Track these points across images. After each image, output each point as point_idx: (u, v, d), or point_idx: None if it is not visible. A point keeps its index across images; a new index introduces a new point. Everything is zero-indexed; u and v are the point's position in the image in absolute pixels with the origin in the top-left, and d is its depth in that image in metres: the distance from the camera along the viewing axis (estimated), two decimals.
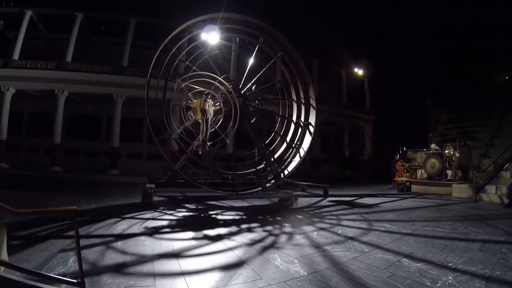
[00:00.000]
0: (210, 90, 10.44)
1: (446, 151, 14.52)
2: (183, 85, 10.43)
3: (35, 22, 23.00)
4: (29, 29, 22.25)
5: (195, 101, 10.28)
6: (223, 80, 10.87)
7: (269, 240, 5.37)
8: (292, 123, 12.98)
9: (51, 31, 24.85)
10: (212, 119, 10.35)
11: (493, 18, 29.60)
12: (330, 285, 3.43)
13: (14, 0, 22.80)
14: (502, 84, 25.14)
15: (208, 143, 10.37)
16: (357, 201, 11.12)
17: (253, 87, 11.94)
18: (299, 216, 7.95)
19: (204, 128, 10.05)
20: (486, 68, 27.78)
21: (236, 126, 10.61)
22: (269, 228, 6.35)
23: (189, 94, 10.56)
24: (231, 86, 10.84)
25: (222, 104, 10.65)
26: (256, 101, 12.22)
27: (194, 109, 10.23)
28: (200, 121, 10.15)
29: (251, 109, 11.68)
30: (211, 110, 10.19)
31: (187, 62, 11.22)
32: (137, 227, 6.11)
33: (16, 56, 21.20)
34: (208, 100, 10.08)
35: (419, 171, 15.63)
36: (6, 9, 22.71)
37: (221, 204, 9.65)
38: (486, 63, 28.09)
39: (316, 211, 8.88)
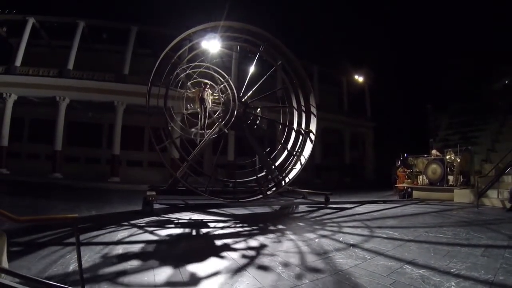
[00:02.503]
0: (208, 81, 10.61)
1: (447, 157, 14.53)
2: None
3: (38, 29, 23.14)
4: (32, 37, 22.37)
5: (193, 90, 10.48)
6: (230, 81, 10.98)
7: (271, 247, 5.34)
8: (293, 130, 12.97)
9: (53, 38, 25.02)
10: (210, 107, 10.54)
11: (494, 22, 29.74)
12: None
13: (17, 7, 22.93)
14: (502, 88, 25.16)
15: (206, 131, 10.46)
16: (359, 208, 11.08)
17: (254, 95, 11.98)
18: (301, 224, 7.93)
19: (203, 116, 10.21)
20: (486, 73, 27.83)
21: (229, 127, 10.76)
22: (270, 235, 6.32)
23: (189, 83, 10.63)
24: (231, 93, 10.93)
25: (222, 105, 10.80)
26: (258, 109, 12.24)
27: (193, 98, 10.46)
28: (198, 109, 10.31)
29: (251, 117, 11.69)
30: (209, 99, 10.40)
31: (188, 70, 11.25)
32: (138, 235, 6.09)
33: (18, 63, 21.30)
34: (206, 89, 10.31)
35: (421, 177, 15.62)
36: (9, 17, 22.82)
37: (222, 212, 9.62)
38: (487, 67, 28.14)
39: (318, 218, 8.85)
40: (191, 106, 10.73)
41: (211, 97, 10.53)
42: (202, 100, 10.21)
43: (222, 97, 10.95)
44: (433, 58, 37.12)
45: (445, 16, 34.95)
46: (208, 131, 10.61)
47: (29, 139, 24.60)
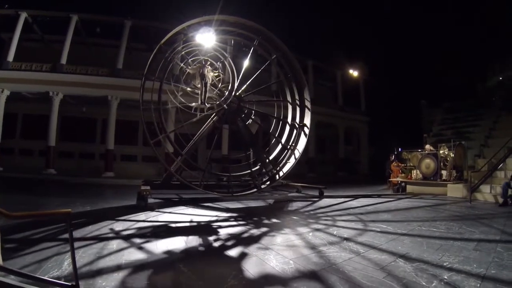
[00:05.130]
0: (208, 58, 10.79)
1: (441, 152, 14.60)
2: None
3: (30, 24, 22.82)
4: (24, 31, 22.05)
5: (194, 66, 10.67)
6: (229, 59, 11.17)
7: (265, 241, 5.36)
8: (287, 124, 12.99)
9: (46, 33, 24.72)
10: (210, 83, 10.72)
11: (488, 20, 29.91)
12: (326, 286, 3.43)
13: (9, 1, 22.61)
14: (496, 85, 25.37)
15: (207, 105, 10.61)
16: (352, 202, 11.13)
17: (248, 89, 11.99)
18: (294, 217, 7.95)
19: (203, 91, 10.37)
20: (480, 70, 28.03)
21: (223, 121, 10.89)
22: (264, 229, 6.35)
23: (189, 60, 10.68)
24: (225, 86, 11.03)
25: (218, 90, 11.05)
26: (252, 102, 12.25)
27: (193, 75, 10.65)
28: (199, 85, 10.50)
29: (246, 111, 11.69)
30: (209, 75, 10.60)
31: (182, 64, 11.22)
32: (132, 230, 6.08)
33: (10, 58, 21.01)
34: (207, 66, 10.55)
35: (414, 171, 15.69)
36: (0, 11, 22.52)
37: (216, 206, 9.63)
38: (481, 64, 28.34)
39: (311, 212, 8.88)
40: (191, 82, 10.83)
41: (211, 73, 10.72)
42: (203, 76, 10.44)
43: (222, 74, 11.19)
44: (429, 54, 37.32)
45: (441, 12, 35.07)
46: (208, 105, 10.71)
47: (22, 135, 24.47)
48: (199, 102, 10.53)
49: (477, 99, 23.93)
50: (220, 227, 6.75)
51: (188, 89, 11.09)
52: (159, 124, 10.82)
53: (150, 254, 4.48)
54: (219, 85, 11.07)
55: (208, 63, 10.62)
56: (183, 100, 11.01)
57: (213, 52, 11.05)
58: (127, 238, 5.41)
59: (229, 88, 10.84)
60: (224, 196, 10.23)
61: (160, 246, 4.96)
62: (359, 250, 4.78)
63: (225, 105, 10.82)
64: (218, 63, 11.02)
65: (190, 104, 10.93)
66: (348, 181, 23.50)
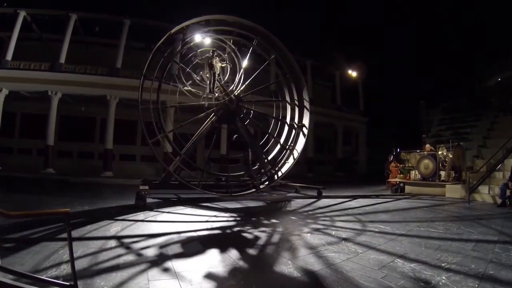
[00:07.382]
0: (216, 49, 11.05)
1: (440, 152, 14.59)
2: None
3: (29, 22, 22.71)
4: (23, 30, 21.97)
5: (203, 57, 10.87)
6: (236, 51, 11.44)
7: (263, 241, 5.36)
8: (286, 125, 12.99)
9: (45, 32, 24.60)
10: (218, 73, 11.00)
11: (487, 22, 29.96)
12: (324, 286, 3.43)
13: (7, 0, 22.56)
14: (494, 85, 25.39)
15: (216, 94, 10.90)
16: (351, 202, 11.13)
17: (247, 89, 12.01)
18: (293, 217, 7.96)
19: (212, 80, 10.68)
20: (479, 70, 28.05)
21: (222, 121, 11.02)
22: (262, 229, 6.35)
23: (199, 51, 10.88)
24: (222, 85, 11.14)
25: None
26: (251, 103, 12.27)
27: (203, 65, 10.92)
28: (207, 75, 10.78)
29: (244, 111, 11.70)
30: (217, 65, 10.87)
31: (181, 64, 11.23)
32: (131, 229, 6.08)
33: (9, 57, 20.93)
34: (215, 56, 10.81)
35: (413, 172, 15.69)
36: None
37: (214, 206, 9.62)
38: (479, 65, 28.37)
39: (310, 212, 8.89)
40: (200, 72, 11.05)
41: (219, 64, 10.92)
42: (211, 66, 10.69)
43: (229, 64, 11.44)
44: (427, 54, 37.36)
45: (440, 14, 35.12)
46: (216, 95, 10.94)
47: (20, 134, 24.38)
48: (208, 91, 10.73)
49: (475, 99, 23.90)
50: (218, 226, 6.75)
51: (188, 88, 11.11)
52: (157, 123, 10.83)
53: (149, 253, 4.48)
54: (218, 85, 11.11)
55: (216, 53, 10.83)
56: (186, 90, 11.10)
57: (218, 45, 11.19)
58: (125, 237, 5.41)
59: (235, 81, 11.03)
60: (222, 196, 10.25)
61: (159, 245, 4.96)
62: (357, 251, 4.78)
63: (232, 95, 10.94)
64: (225, 54, 11.16)
65: (198, 93, 11.02)
66: (347, 182, 23.52)
